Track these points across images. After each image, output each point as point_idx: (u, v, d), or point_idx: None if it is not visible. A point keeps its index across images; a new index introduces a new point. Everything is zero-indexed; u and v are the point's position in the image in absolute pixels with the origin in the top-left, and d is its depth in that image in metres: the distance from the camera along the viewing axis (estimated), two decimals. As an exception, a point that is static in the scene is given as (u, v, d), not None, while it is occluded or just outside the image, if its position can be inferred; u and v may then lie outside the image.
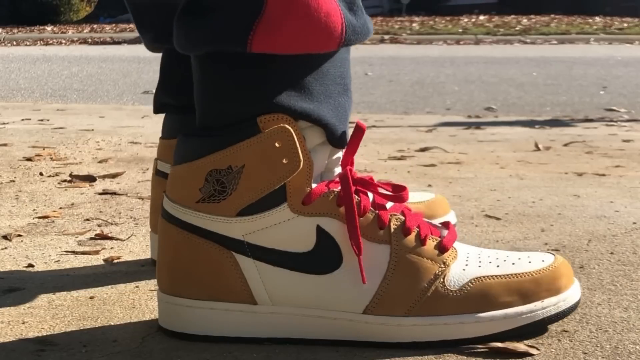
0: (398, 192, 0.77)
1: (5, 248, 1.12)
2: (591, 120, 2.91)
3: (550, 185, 1.53)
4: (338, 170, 0.78)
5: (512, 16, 13.33)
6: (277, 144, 0.73)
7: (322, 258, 0.74)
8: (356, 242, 0.73)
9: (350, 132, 0.77)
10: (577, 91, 4.39)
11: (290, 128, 0.73)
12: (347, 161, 0.76)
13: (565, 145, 2.16)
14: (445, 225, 0.80)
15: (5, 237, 1.17)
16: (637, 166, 1.77)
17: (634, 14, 13.28)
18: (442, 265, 0.75)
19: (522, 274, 0.76)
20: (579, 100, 4.01)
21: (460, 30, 11.04)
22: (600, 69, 5.73)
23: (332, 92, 0.76)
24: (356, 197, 0.75)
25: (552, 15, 13.34)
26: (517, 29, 11.16)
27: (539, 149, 2.07)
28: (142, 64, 6.64)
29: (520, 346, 0.72)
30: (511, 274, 0.76)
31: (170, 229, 0.77)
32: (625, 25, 11.35)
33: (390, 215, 0.76)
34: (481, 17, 13.23)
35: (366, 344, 0.74)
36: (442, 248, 0.76)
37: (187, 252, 0.76)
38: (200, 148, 0.75)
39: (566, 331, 0.77)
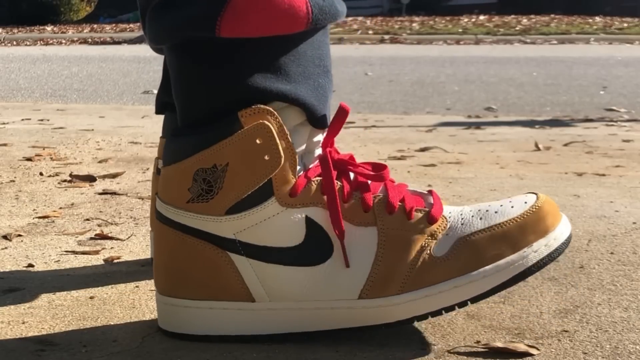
0: (379, 171, 0.77)
1: (5, 248, 1.12)
2: (591, 120, 2.91)
3: (550, 185, 1.53)
4: (318, 152, 0.78)
5: (512, 16, 13.34)
6: (257, 141, 0.73)
7: (313, 249, 0.74)
8: (337, 226, 0.73)
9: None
10: (577, 91, 4.39)
11: (269, 124, 0.72)
12: (328, 143, 0.76)
13: (565, 145, 2.16)
14: (430, 192, 0.79)
15: (5, 237, 1.17)
16: (637, 166, 1.77)
17: (634, 14, 13.28)
18: (428, 237, 0.75)
19: (506, 222, 0.75)
20: (579, 100, 4.01)
21: (460, 30, 11.05)
22: (600, 69, 5.73)
23: (311, 73, 0.76)
24: (338, 183, 0.75)
25: (552, 15, 13.35)
26: (517, 29, 11.17)
27: (539, 149, 2.07)
28: (142, 64, 6.64)
29: (520, 346, 0.73)
30: (495, 225, 0.75)
31: (164, 230, 0.77)
32: (625, 25, 11.36)
33: (373, 197, 0.76)
34: (481, 17, 13.23)
35: (368, 328, 0.74)
36: (431, 219, 0.75)
37: (182, 252, 0.76)
38: (185, 148, 0.75)
39: (566, 331, 0.77)
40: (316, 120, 0.75)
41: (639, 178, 1.61)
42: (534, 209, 0.76)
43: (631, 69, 5.78)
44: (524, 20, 12.47)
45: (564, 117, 3.10)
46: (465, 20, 12.79)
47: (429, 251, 0.74)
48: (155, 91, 4.77)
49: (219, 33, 0.72)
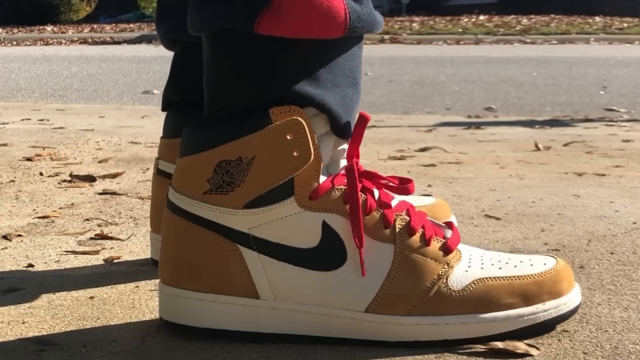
0: (404, 184, 0.78)
1: (5, 248, 1.12)
2: (591, 120, 2.91)
3: (550, 185, 1.53)
4: (343, 162, 0.78)
5: (512, 16, 13.34)
6: (288, 137, 0.73)
7: (326, 254, 0.74)
8: (358, 235, 0.73)
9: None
10: (577, 91, 4.39)
11: (302, 121, 0.73)
12: (353, 153, 0.76)
13: (565, 145, 2.16)
14: (449, 225, 0.80)
15: (5, 237, 1.17)
16: (637, 166, 1.77)
17: (634, 14, 13.28)
18: (446, 266, 0.75)
19: (525, 276, 0.76)
20: (579, 100, 4.01)
21: (460, 30, 11.05)
22: (600, 69, 5.73)
23: (340, 82, 0.76)
24: (362, 195, 0.75)
25: (552, 15, 13.35)
26: (517, 29, 11.16)
27: (539, 149, 2.07)
28: (142, 64, 6.64)
29: (520, 346, 0.72)
30: (514, 276, 0.76)
31: (175, 220, 0.77)
32: (625, 25, 11.35)
33: (396, 215, 0.76)
34: (481, 17, 13.23)
35: (366, 342, 0.74)
36: (446, 249, 0.76)
37: (192, 243, 0.75)
38: (209, 139, 0.74)
39: (566, 331, 0.77)
40: (340, 129, 0.76)
41: (639, 178, 1.61)
42: (553, 271, 0.78)
43: (631, 69, 5.78)
44: (524, 20, 12.47)
45: (564, 117, 3.10)
46: (465, 20, 12.79)
47: (445, 281, 0.75)
48: (156, 91, 4.76)
49: (257, 29, 0.72)
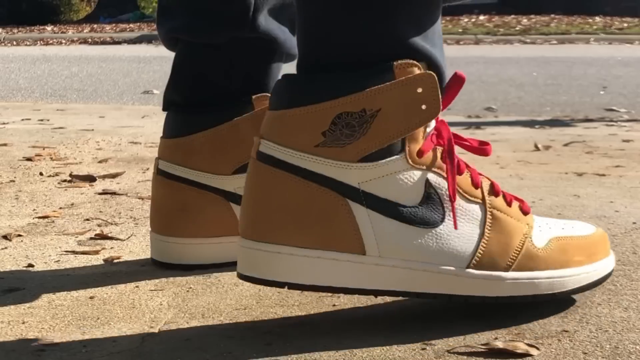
0: (483, 146, 0.82)
1: (5, 248, 1.12)
2: (591, 120, 2.91)
3: (550, 185, 1.53)
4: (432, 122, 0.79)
5: (512, 16, 13.33)
6: (419, 90, 0.73)
7: (428, 211, 0.75)
8: (453, 193, 0.76)
9: None
10: (577, 91, 4.39)
11: (434, 74, 0.73)
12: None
13: (565, 145, 2.16)
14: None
15: (5, 237, 1.17)
16: (637, 166, 1.77)
17: (634, 14, 13.27)
18: (527, 226, 0.80)
19: (585, 236, 0.83)
20: (579, 100, 4.01)
21: (460, 30, 11.05)
22: (600, 69, 5.73)
23: (440, 44, 0.78)
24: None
25: (552, 15, 13.34)
26: (517, 29, 11.16)
27: (538, 149, 2.07)
28: (142, 64, 6.64)
29: (520, 346, 0.72)
30: (578, 236, 0.82)
31: (275, 174, 0.74)
32: (625, 25, 11.36)
33: (480, 177, 0.79)
34: (481, 17, 13.23)
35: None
36: (524, 211, 0.81)
37: (297, 197, 0.73)
38: (325, 89, 0.73)
39: (566, 331, 0.77)
40: (442, 89, 0.77)
41: (639, 178, 1.61)
42: (599, 233, 0.85)
43: (631, 69, 5.79)
44: (524, 20, 12.47)
45: (564, 117, 3.10)
46: (465, 20, 12.79)
47: (530, 239, 0.79)
48: (156, 91, 4.76)
49: None
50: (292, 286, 0.75)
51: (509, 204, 0.80)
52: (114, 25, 14.15)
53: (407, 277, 0.75)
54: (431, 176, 0.75)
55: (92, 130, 2.47)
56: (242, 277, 0.77)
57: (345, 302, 0.86)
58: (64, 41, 11.02)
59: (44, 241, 1.15)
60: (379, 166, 0.73)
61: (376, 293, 0.76)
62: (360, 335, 0.76)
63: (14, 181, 1.62)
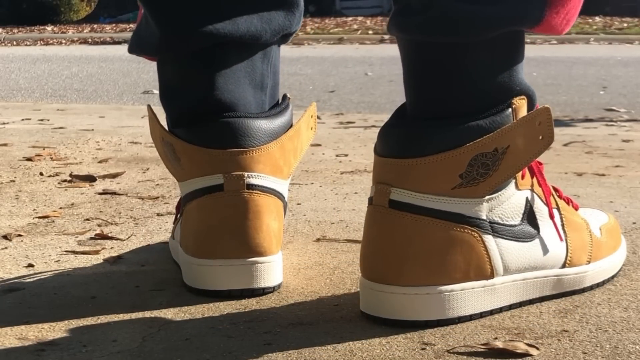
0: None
1: (5, 248, 1.12)
2: (591, 120, 2.91)
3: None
4: None
5: (512, 16, 13.30)
6: (537, 123, 0.79)
7: (528, 226, 0.83)
8: (549, 205, 0.84)
9: None
10: (577, 91, 4.39)
11: (549, 108, 0.80)
12: None
13: (565, 145, 2.16)
14: None
15: (5, 237, 1.17)
16: (637, 166, 1.77)
17: (634, 14, 13.28)
18: (584, 221, 0.90)
19: (609, 222, 0.95)
20: (578, 100, 4.01)
21: (460, 30, 11.02)
22: (600, 69, 5.73)
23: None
24: None
25: (552, 15, 13.31)
26: (517, 29, 11.14)
27: (539, 149, 2.07)
28: (142, 64, 6.63)
29: (520, 346, 0.73)
30: (608, 223, 0.94)
31: (418, 221, 0.77)
32: (625, 25, 11.36)
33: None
34: (481, 17, 13.20)
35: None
36: (575, 208, 0.91)
37: (443, 239, 0.78)
38: (457, 136, 0.77)
39: (566, 331, 0.77)
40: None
41: (639, 178, 1.61)
42: (612, 221, 0.96)
43: (631, 69, 5.78)
44: (524, 20, 12.44)
45: (564, 117, 3.09)
46: (465, 20, 12.76)
47: (592, 232, 0.89)
48: (155, 91, 4.75)
49: (539, 27, 0.80)
50: (442, 322, 0.79)
51: (567, 203, 0.88)
52: (114, 25, 14.15)
53: (524, 288, 0.83)
54: (529, 193, 0.83)
55: (92, 130, 2.47)
56: (407, 323, 0.78)
57: (345, 301, 0.86)
58: (64, 41, 11.01)
59: (44, 241, 1.15)
60: (501, 195, 0.80)
61: (499, 310, 0.81)
62: (360, 335, 0.76)
63: (14, 181, 1.62)
